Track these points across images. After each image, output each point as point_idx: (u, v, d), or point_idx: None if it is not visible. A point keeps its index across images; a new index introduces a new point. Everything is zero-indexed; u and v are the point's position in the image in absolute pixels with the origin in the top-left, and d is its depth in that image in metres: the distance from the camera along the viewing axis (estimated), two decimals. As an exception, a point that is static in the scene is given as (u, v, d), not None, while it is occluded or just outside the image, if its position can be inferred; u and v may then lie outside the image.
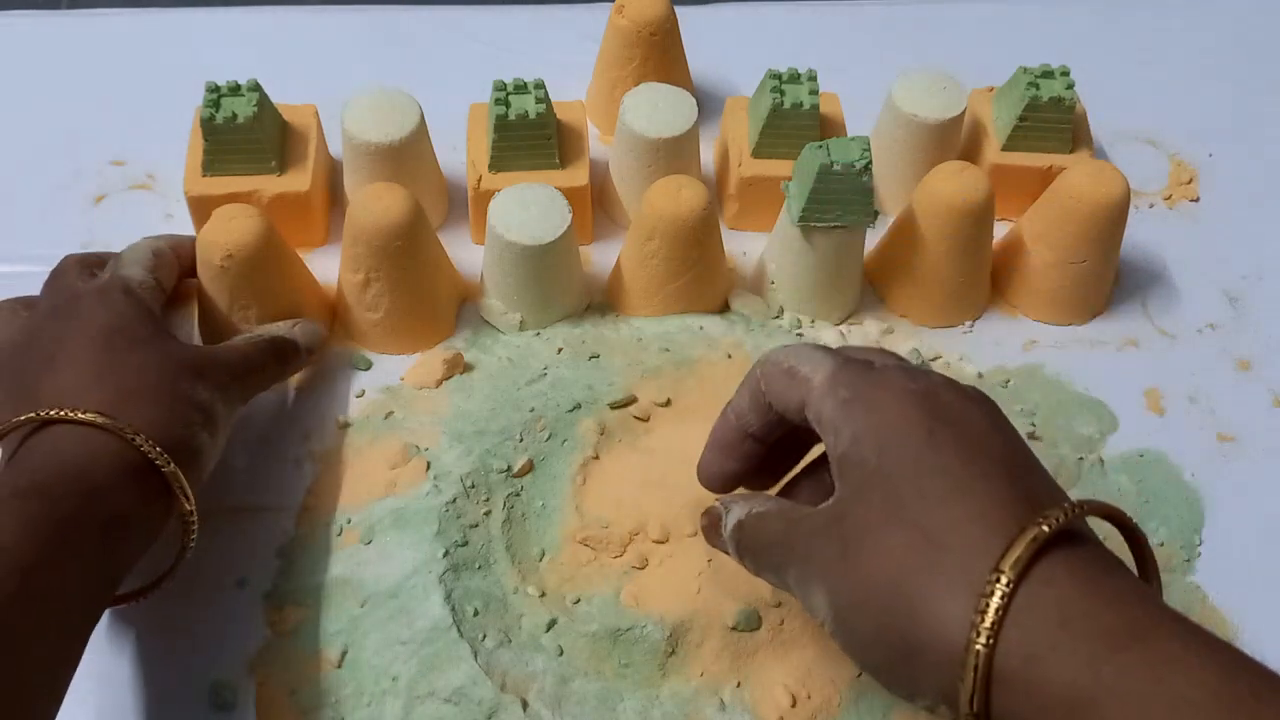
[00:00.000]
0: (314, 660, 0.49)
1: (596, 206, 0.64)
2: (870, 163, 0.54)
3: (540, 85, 0.60)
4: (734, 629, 0.50)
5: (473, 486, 0.53)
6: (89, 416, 0.44)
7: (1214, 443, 0.58)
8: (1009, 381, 0.60)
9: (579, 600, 0.51)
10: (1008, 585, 0.34)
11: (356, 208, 0.55)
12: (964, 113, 0.63)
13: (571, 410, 0.55)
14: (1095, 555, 0.36)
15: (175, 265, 0.55)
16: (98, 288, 0.51)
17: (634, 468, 0.53)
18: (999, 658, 0.34)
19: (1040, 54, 0.64)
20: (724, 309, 0.61)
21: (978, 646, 0.34)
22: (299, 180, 0.60)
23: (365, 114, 0.59)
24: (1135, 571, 0.38)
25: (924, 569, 0.35)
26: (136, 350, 0.48)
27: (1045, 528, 0.35)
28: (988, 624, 0.34)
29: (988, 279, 0.62)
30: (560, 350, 0.59)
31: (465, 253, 0.62)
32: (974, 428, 0.38)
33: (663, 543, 0.51)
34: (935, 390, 0.39)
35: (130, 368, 0.47)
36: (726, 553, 0.45)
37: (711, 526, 0.45)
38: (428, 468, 0.54)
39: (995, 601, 0.34)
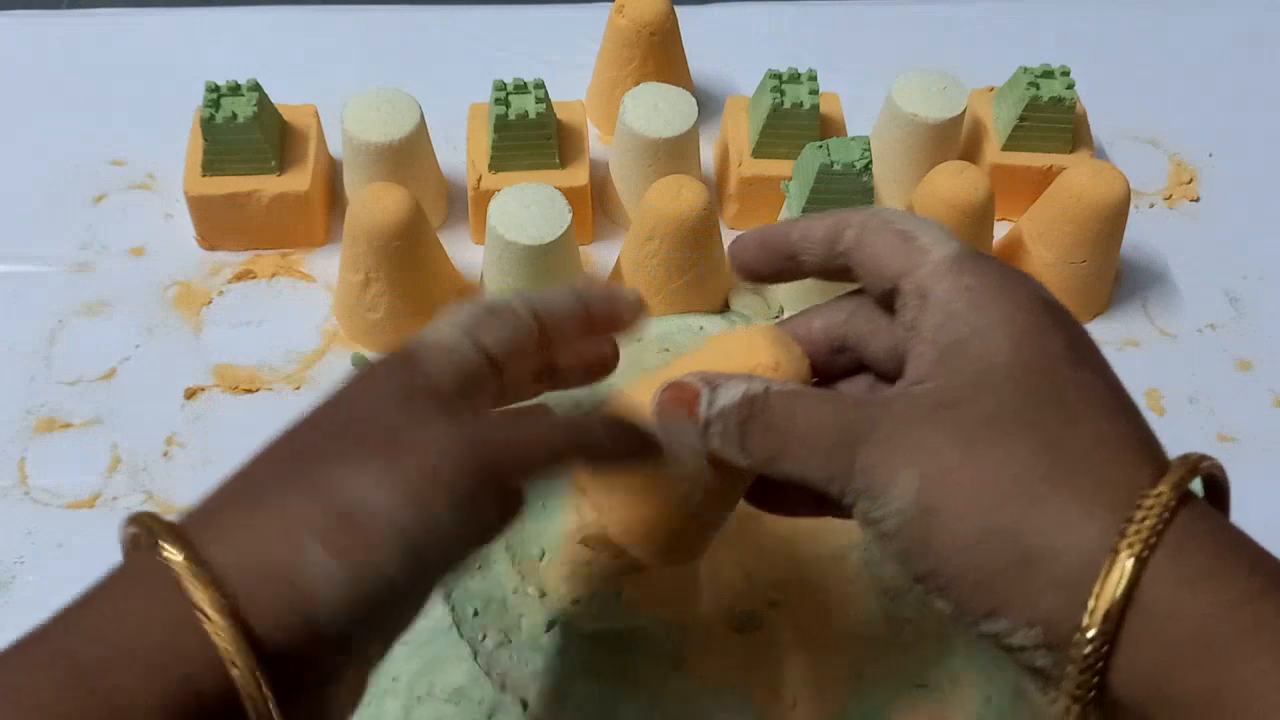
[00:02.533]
0: (314, 660, 0.49)
1: (596, 206, 0.64)
2: (870, 163, 0.54)
3: (540, 85, 0.60)
4: (735, 630, 0.50)
5: (473, 486, 0.53)
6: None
7: (1214, 443, 0.58)
8: (1009, 381, 0.60)
9: (579, 600, 0.51)
10: (1168, 502, 0.30)
11: (356, 208, 0.55)
12: (964, 113, 0.63)
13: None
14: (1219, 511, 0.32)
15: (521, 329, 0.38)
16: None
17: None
18: (1145, 575, 0.29)
19: (1040, 54, 0.64)
20: (724, 309, 0.61)
21: (1127, 557, 0.28)
22: (299, 180, 0.60)
23: (365, 114, 0.59)
24: None
25: (1062, 475, 0.31)
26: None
27: (1201, 463, 0.32)
28: (1144, 534, 0.29)
29: (988, 279, 0.62)
30: (560, 350, 0.59)
31: (465, 253, 0.62)
32: (1100, 355, 0.35)
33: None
34: (1065, 308, 0.36)
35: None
36: (668, 442, 0.36)
37: (675, 403, 0.36)
38: (428, 468, 0.54)
39: (1153, 516, 0.29)
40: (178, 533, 0.31)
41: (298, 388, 0.57)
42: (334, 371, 0.58)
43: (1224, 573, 0.29)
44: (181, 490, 0.54)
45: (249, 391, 0.57)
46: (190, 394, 0.57)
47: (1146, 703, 0.29)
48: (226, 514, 0.31)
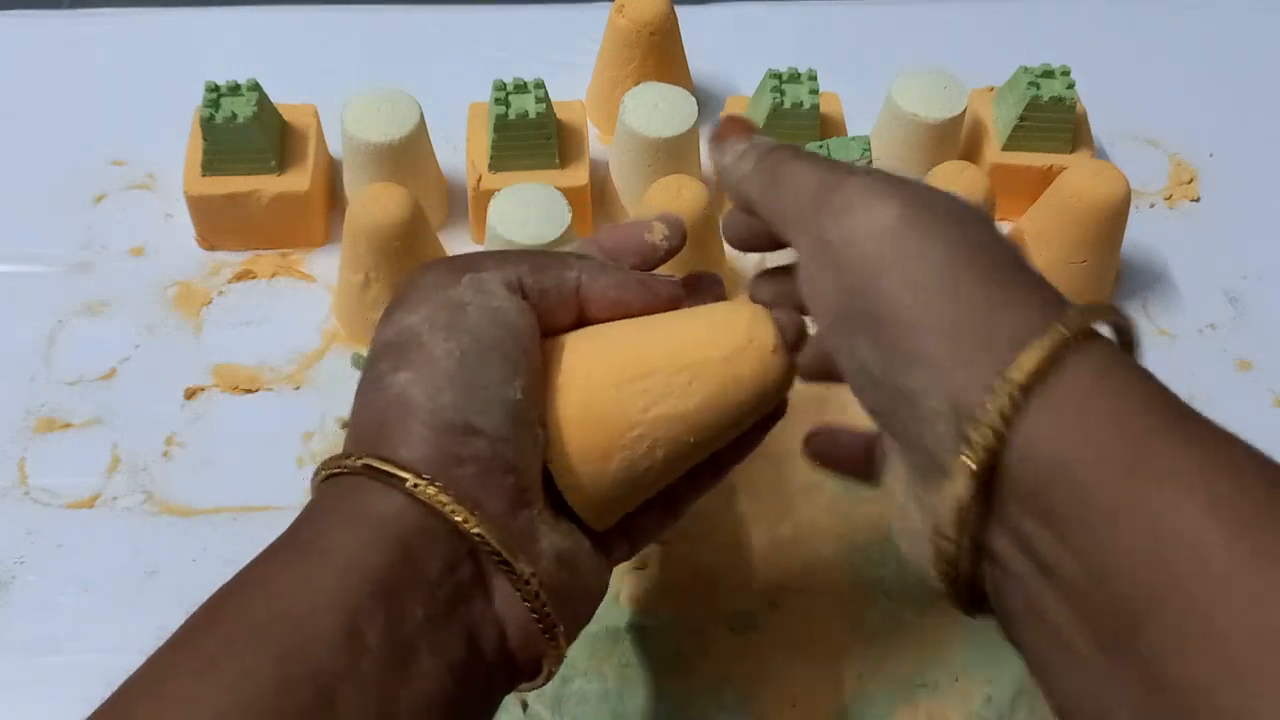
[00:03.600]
0: (314, 660, 0.49)
1: (596, 206, 0.64)
2: (871, 162, 0.54)
3: (540, 85, 0.60)
4: (734, 630, 0.50)
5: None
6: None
7: (1214, 443, 0.58)
8: (1009, 381, 0.60)
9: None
10: (1091, 314, 0.30)
11: (356, 208, 0.55)
12: (964, 112, 0.63)
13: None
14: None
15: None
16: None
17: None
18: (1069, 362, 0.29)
19: (1041, 53, 0.64)
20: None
21: (1053, 343, 0.29)
22: (298, 180, 0.60)
23: (365, 114, 0.59)
24: None
25: (1009, 266, 0.32)
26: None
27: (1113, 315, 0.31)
28: (1073, 327, 0.29)
29: (988, 279, 0.62)
30: (560, 350, 0.59)
31: (465, 252, 0.62)
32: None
33: (664, 543, 0.51)
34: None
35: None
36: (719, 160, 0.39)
37: (735, 127, 0.40)
38: (427, 468, 0.54)
39: (1079, 318, 0.30)
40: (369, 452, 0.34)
41: (298, 388, 0.57)
42: (334, 371, 0.58)
43: (1137, 388, 0.30)
44: (181, 490, 0.54)
45: (249, 391, 0.57)
46: (190, 394, 0.57)
47: (1039, 489, 0.29)
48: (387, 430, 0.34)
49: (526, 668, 0.35)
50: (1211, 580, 0.26)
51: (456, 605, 0.32)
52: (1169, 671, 0.26)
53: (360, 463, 0.33)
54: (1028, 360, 0.29)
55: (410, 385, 0.34)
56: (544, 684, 0.36)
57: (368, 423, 0.35)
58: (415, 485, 0.32)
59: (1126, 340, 0.32)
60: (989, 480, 0.29)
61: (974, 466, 0.29)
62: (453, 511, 0.32)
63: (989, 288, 0.31)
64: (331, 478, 0.34)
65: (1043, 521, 0.29)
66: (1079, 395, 0.29)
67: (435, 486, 0.32)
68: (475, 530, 0.32)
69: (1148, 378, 0.30)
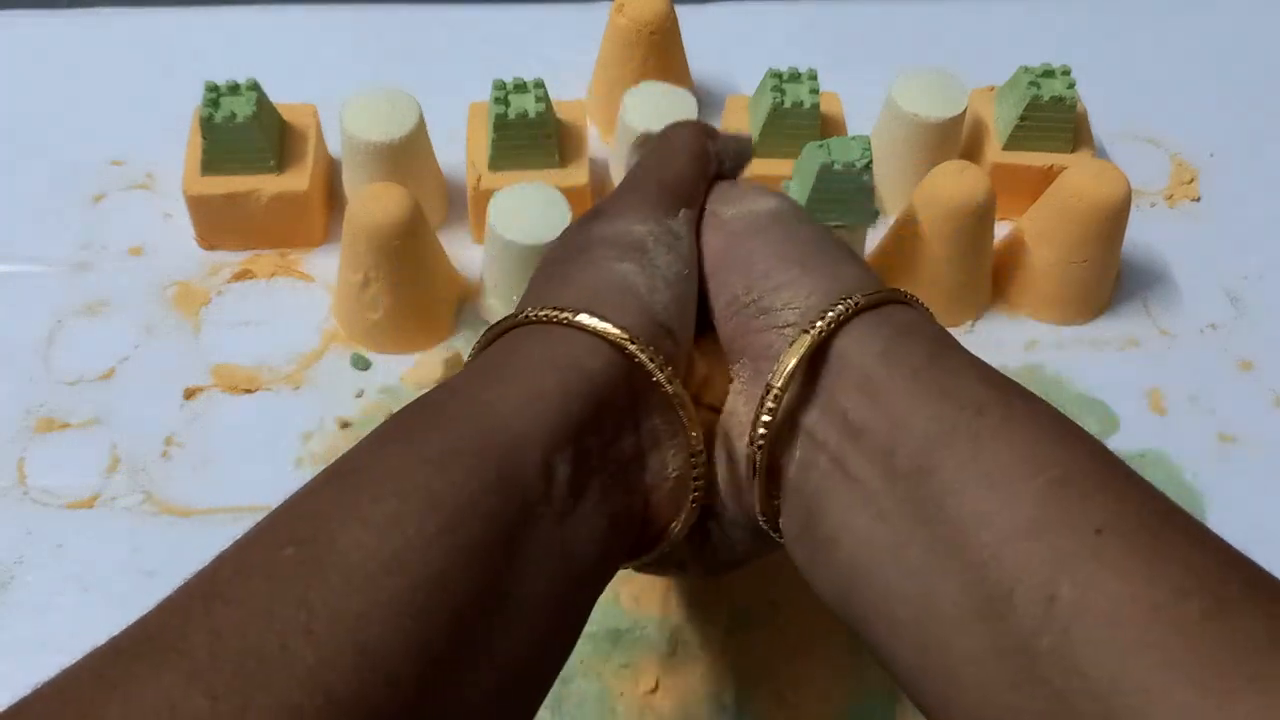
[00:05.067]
0: (313, 661, 0.49)
1: (596, 206, 0.64)
2: (871, 162, 0.54)
3: (540, 85, 0.60)
4: (733, 630, 0.50)
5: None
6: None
7: (1215, 443, 0.58)
8: (1010, 381, 0.60)
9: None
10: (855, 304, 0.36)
11: (356, 207, 0.55)
12: (965, 112, 0.62)
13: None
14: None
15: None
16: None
17: None
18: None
19: (1041, 53, 0.64)
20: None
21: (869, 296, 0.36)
22: (298, 180, 0.60)
23: (365, 113, 0.59)
24: None
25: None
26: None
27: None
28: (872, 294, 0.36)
29: (989, 279, 0.62)
30: (560, 350, 0.59)
31: (465, 253, 0.62)
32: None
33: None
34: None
35: None
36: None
37: None
38: (427, 468, 0.54)
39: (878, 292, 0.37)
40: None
41: (297, 388, 0.57)
42: (333, 371, 0.58)
43: (937, 327, 0.37)
44: (181, 490, 0.54)
45: (248, 391, 0.57)
46: (189, 394, 0.57)
47: (860, 373, 0.35)
48: (544, 294, 0.39)
49: (640, 545, 0.38)
50: (984, 430, 0.32)
51: (623, 466, 0.36)
52: (949, 503, 0.31)
53: (577, 317, 0.36)
54: (869, 290, 0.36)
55: (633, 274, 0.38)
56: (637, 565, 0.40)
57: (580, 292, 0.38)
58: (633, 342, 0.35)
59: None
60: (813, 364, 0.35)
61: (810, 339, 0.35)
62: (659, 367, 0.36)
63: (842, 253, 0.39)
64: (521, 327, 0.37)
65: (856, 395, 0.34)
66: (900, 319, 0.36)
67: (649, 350, 0.36)
68: (675, 391, 0.36)
69: (953, 339, 0.37)
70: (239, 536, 0.30)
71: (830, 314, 0.35)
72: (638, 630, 0.49)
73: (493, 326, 0.38)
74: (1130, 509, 0.29)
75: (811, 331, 0.35)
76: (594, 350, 0.36)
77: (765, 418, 0.35)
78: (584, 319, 0.36)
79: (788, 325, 0.37)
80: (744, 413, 0.38)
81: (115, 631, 0.48)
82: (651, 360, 0.36)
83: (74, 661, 0.27)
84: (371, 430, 0.33)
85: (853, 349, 0.35)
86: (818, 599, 0.50)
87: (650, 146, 0.45)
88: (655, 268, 0.39)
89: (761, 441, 0.35)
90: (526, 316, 0.37)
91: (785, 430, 0.36)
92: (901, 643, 0.32)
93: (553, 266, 0.40)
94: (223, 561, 0.29)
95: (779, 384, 0.35)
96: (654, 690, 0.49)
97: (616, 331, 0.35)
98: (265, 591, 0.27)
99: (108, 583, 0.51)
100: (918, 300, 0.38)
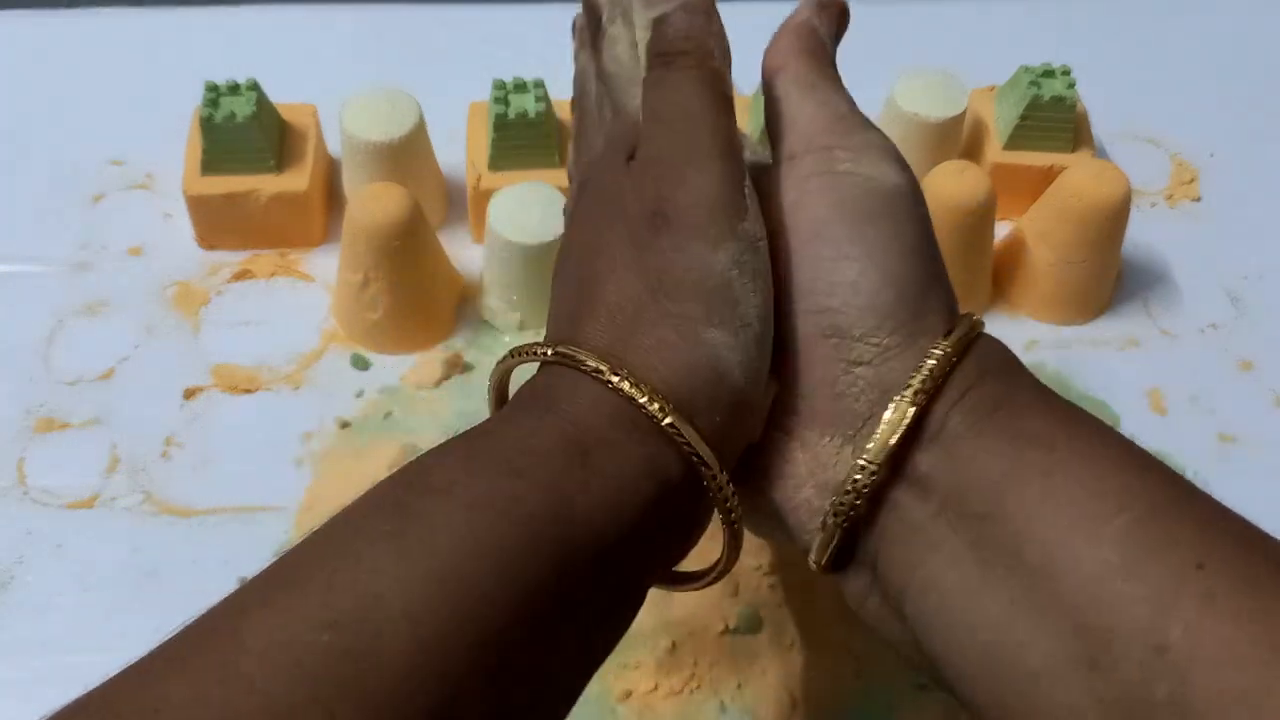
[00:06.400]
0: (313, 661, 0.49)
1: (596, 206, 0.64)
2: (871, 162, 0.54)
3: (540, 84, 0.60)
4: (735, 630, 0.50)
5: (472, 487, 0.53)
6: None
7: (1215, 443, 0.58)
8: (1010, 381, 0.60)
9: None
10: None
11: (355, 207, 0.55)
12: (965, 112, 0.62)
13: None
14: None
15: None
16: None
17: None
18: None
19: (1041, 53, 0.64)
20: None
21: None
22: (298, 180, 0.60)
23: (365, 113, 0.59)
24: None
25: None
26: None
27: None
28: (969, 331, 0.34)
29: (989, 278, 0.62)
30: (560, 350, 0.59)
31: (465, 253, 0.62)
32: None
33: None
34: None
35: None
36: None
37: None
38: (427, 468, 0.54)
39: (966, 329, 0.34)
40: (596, 355, 0.32)
41: (297, 388, 0.57)
42: (333, 372, 0.58)
43: (1020, 369, 0.35)
44: (180, 490, 0.54)
45: (248, 392, 0.57)
46: (189, 394, 0.57)
47: (945, 443, 0.32)
48: (610, 335, 0.33)
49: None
50: (1055, 466, 0.30)
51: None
52: (1027, 549, 0.29)
53: (664, 420, 0.31)
54: (949, 335, 0.33)
55: (725, 350, 0.33)
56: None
57: (663, 370, 0.32)
58: (698, 460, 0.32)
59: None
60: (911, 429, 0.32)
61: (908, 415, 0.32)
62: (727, 497, 0.33)
63: (935, 267, 0.35)
64: (591, 379, 0.32)
65: (930, 442, 0.32)
66: (966, 370, 0.33)
67: (712, 467, 0.32)
68: (736, 520, 0.33)
69: (1020, 364, 0.35)
70: None
71: (918, 380, 0.32)
72: (638, 630, 0.49)
73: (553, 356, 0.33)
74: (1223, 541, 0.28)
75: (908, 405, 0.32)
76: (678, 460, 0.32)
77: (850, 495, 0.32)
78: (677, 426, 0.31)
79: (861, 364, 0.33)
80: (804, 462, 0.34)
81: (115, 631, 0.48)
82: (729, 497, 0.32)
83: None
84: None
85: (936, 412, 0.32)
86: (818, 599, 0.50)
87: (682, 31, 0.39)
88: (748, 324, 0.33)
89: (845, 520, 0.33)
90: (600, 374, 0.31)
91: (869, 499, 0.33)
92: (987, 694, 0.30)
93: (610, 295, 0.33)
94: None
95: (875, 462, 0.32)
96: (654, 690, 0.49)
97: (711, 462, 0.32)
98: None
99: (108, 583, 0.51)
100: (981, 323, 0.35)
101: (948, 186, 0.57)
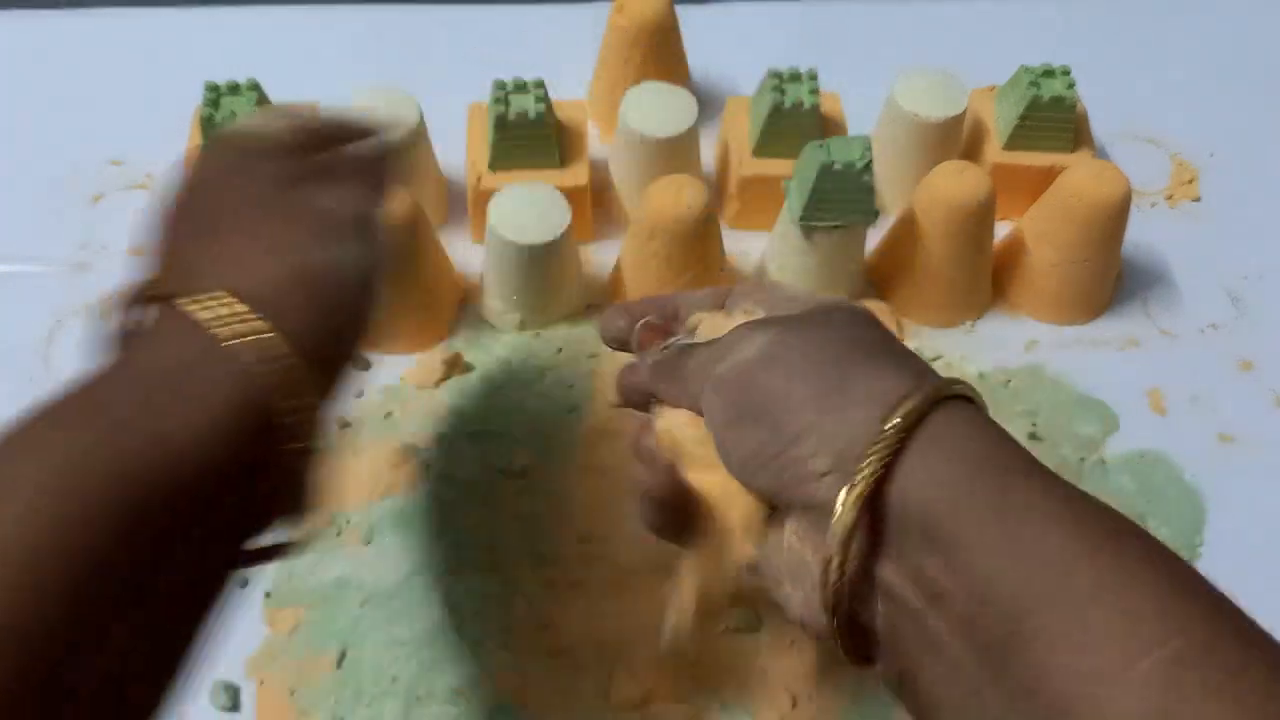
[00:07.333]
0: (314, 660, 0.49)
1: (596, 206, 0.64)
2: (871, 162, 0.54)
3: (540, 85, 0.60)
4: (735, 630, 0.50)
5: (472, 487, 0.53)
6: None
7: (1215, 443, 0.58)
8: (1010, 382, 0.60)
9: (579, 600, 0.51)
10: (942, 388, 0.33)
11: (356, 207, 0.54)
12: (965, 112, 0.62)
13: (571, 411, 0.55)
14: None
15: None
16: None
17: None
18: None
19: (1041, 53, 0.64)
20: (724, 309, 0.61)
21: (918, 401, 0.32)
22: (298, 180, 0.60)
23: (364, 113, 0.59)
24: None
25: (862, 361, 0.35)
26: None
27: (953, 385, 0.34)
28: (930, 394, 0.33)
29: (989, 279, 0.62)
30: (560, 351, 0.59)
31: (465, 253, 0.62)
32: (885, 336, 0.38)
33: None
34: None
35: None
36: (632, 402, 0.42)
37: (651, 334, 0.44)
38: (427, 468, 0.54)
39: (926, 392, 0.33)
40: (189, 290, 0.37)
41: (297, 388, 0.57)
42: (333, 371, 0.58)
43: (994, 436, 0.33)
44: (181, 490, 0.53)
45: (248, 391, 0.57)
46: (189, 394, 0.57)
47: (924, 523, 0.31)
48: (208, 268, 0.38)
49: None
50: (1077, 594, 0.29)
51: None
52: (1045, 687, 0.28)
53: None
54: (901, 411, 0.32)
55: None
56: None
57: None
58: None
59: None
60: (874, 511, 0.32)
61: (858, 490, 0.31)
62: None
63: (863, 365, 0.35)
64: None
65: (929, 550, 0.31)
66: (949, 440, 0.32)
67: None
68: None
69: (999, 428, 0.33)
70: None
71: (865, 467, 0.32)
72: (638, 630, 0.49)
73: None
74: (1261, 693, 0.27)
75: (853, 489, 0.32)
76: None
77: (834, 582, 0.33)
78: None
79: (825, 474, 0.33)
80: (814, 563, 0.34)
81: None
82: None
83: None
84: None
85: (912, 491, 0.31)
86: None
87: None
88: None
89: (835, 609, 0.33)
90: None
91: (862, 585, 0.33)
92: None
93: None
94: None
95: (837, 555, 0.32)
96: (654, 690, 0.49)
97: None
98: None
99: (108, 583, 0.51)
100: (950, 386, 0.34)
101: (947, 187, 0.57)
